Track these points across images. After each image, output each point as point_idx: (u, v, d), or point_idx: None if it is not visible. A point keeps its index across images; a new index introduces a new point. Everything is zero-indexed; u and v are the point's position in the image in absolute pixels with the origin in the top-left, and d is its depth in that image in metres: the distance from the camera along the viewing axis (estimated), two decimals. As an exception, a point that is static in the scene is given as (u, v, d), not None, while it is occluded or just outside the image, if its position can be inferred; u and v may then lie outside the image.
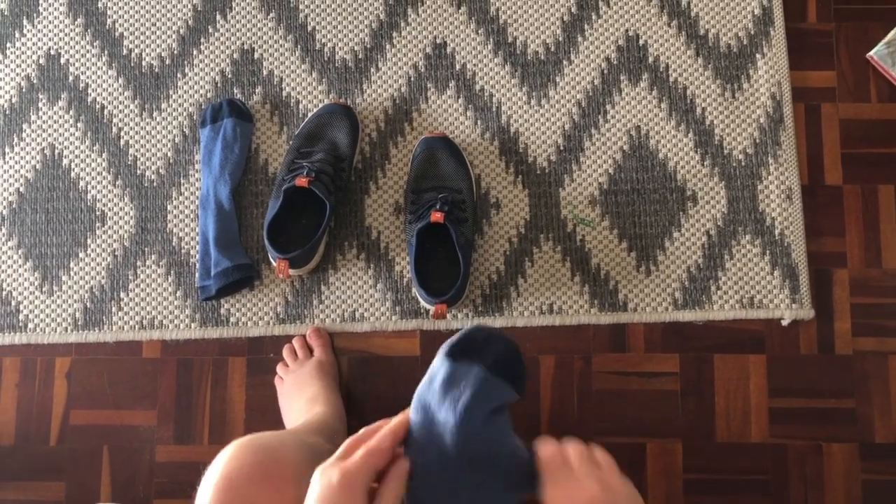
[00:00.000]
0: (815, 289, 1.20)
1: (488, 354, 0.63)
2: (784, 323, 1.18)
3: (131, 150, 1.24)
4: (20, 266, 1.22)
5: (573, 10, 1.26)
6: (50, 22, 1.27)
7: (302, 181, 1.08)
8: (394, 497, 0.59)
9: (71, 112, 1.25)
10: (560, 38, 1.25)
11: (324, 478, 0.58)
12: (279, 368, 1.18)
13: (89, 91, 1.25)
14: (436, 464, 0.61)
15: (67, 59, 1.26)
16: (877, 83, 1.24)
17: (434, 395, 0.62)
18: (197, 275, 1.19)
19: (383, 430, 0.61)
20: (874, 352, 1.18)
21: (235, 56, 1.26)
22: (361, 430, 0.62)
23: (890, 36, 1.23)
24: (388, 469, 0.60)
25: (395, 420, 0.62)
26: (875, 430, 1.16)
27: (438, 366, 0.63)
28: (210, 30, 1.26)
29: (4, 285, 1.21)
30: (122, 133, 1.24)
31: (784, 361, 1.18)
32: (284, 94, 1.25)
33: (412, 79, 1.25)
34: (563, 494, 0.60)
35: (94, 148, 1.24)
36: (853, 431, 1.16)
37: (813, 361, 1.18)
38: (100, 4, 1.27)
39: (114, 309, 1.20)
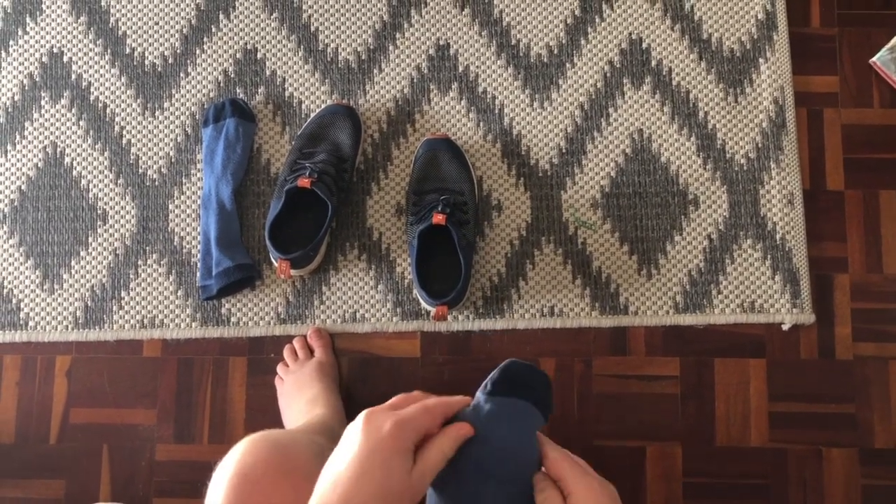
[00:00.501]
0: (816, 293, 1.20)
1: (527, 386, 0.63)
2: (785, 327, 1.19)
3: (133, 149, 1.24)
4: (21, 264, 1.22)
5: (577, 12, 1.26)
6: (53, 20, 1.27)
7: (304, 182, 1.09)
8: (442, 453, 0.57)
9: (73, 110, 1.25)
10: (563, 41, 1.26)
11: (372, 423, 0.56)
12: (279, 369, 1.18)
13: (92, 89, 1.25)
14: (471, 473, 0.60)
15: (70, 58, 1.26)
16: (879, 89, 1.24)
17: (482, 420, 0.60)
18: (198, 274, 1.19)
19: (440, 399, 0.59)
20: (874, 357, 1.18)
21: (238, 56, 1.26)
22: (413, 392, 0.61)
23: (893, 42, 1.23)
24: (448, 428, 0.58)
25: (452, 398, 0.60)
26: (875, 435, 1.17)
27: (483, 402, 0.62)
28: (213, 29, 1.27)
29: (5, 283, 1.21)
30: (124, 132, 1.24)
31: (784, 366, 1.18)
32: (287, 94, 1.25)
33: (415, 80, 1.25)
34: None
35: (96, 146, 1.24)
36: (853, 436, 1.17)
37: (813, 366, 1.18)
38: (103, 3, 1.27)
39: (115, 308, 1.20)
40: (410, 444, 0.56)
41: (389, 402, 0.59)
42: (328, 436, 0.99)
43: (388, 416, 0.56)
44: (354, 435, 0.56)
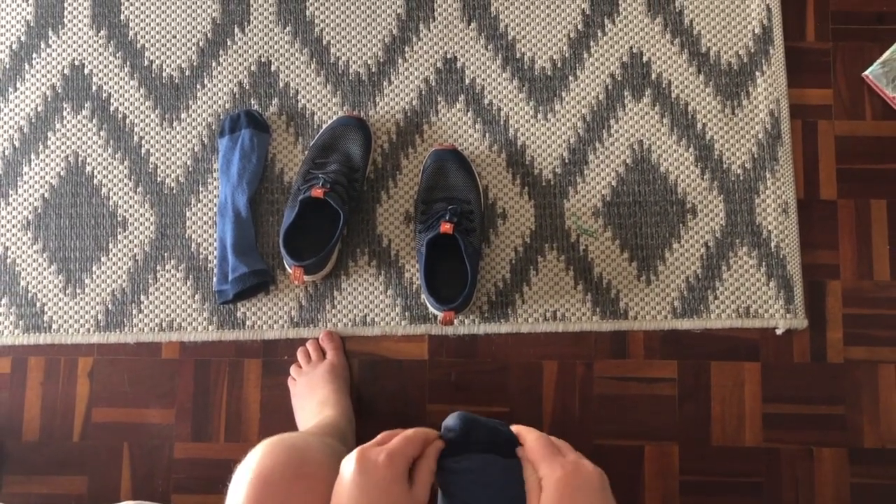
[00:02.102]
0: (809, 299, 1.24)
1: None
2: (778, 332, 1.23)
3: (152, 159, 1.29)
4: (45, 269, 1.27)
5: (580, 27, 1.30)
6: (74, 34, 1.32)
7: (318, 192, 1.13)
8: (430, 469, 0.68)
9: (94, 121, 1.30)
10: (566, 55, 1.30)
11: (367, 459, 0.65)
12: (292, 370, 1.22)
13: (112, 101, 1.30)
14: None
15: (91, 70, 1.31)
16: (871, 101, 1.29)
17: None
18: (215, 279, 1.23)
19: (417, 429, 0.69)
20: (864, 361, 1.23)
21: (253, 68, 1.30)
22: (394, 430, 0.70)
23: (885, 56, 1.27)
24: (428, 448, 0.69)
25: (425, 429, 0.70)
26: (864, 435, 1.21)
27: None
28: (228, 42, 1.31)
29: (30, 287, 1.26)
30: (143, 142, 1.29)
31: (778, 369, 1.23)
32: (300, 105, 1.29)
33: (423, 92, 1.29)
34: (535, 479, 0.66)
35: (116, 156, 1.29)
36: (843, 437, 1.21)
37: (805, 369, 1.23)
38: (122, 17, 1.32)
39: (134, 311, 1.25)
40: (404, 470, 0.66)
41: (375, 439, 0.69)
42: (338, 437, 1.03)
43: (379, 451, 0.66)
44: (353, 473, 0.65)
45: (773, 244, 1.25)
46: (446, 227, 1.12)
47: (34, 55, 1.31)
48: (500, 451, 0.70)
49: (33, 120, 1.30)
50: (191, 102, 1.30)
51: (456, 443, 0.70)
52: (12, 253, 1.27)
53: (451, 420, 0.71)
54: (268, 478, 0.74)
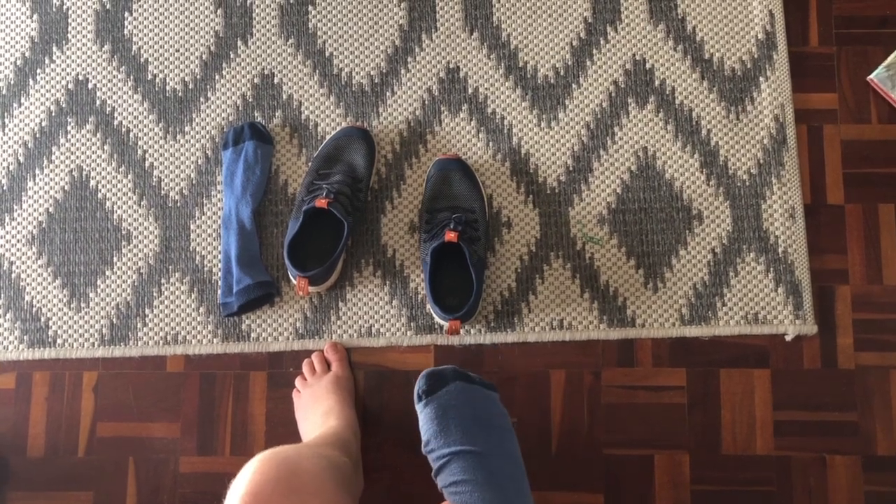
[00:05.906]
0: (818, 305, 1.23)
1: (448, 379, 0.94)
2: (788, 338, 1.22)
3: (156, 172, 1.29)
4: (49, 283, 1.26)
5: (582, 35, 1.30)
6: (78, 48, 1.32)
7: (322, 202, 1.13)
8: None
9: (98, 135, 1.30)
10: (569, 63, 1.30)
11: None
12: (297, 381, 1.22)
13: (115, 115, 1.30)
14: None
15: (95, 84, 1.31)
16: (877, 105, 1.28)
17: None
18: (219, 292, 1.23)
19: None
20: (876, 366, 1.21)
21: (256, 81, 1.31)
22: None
23: (889, 59, 1.27)
24: None
25: None
26: (877, 442, 1.20)
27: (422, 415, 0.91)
28: (231, 55, 1.31)
29: (34, 302, 1.26)
30: (146, 155, 1.29)
31: (788, 375, 1.22)
32: (303, 117, 1.29)
33: (426, 102, 1.29)
34: None
35: (120, 169, 1.29)
36: (856, 444, 1.20)
37: (816, 376, 1.22)
38: (125, 32, 1.33)
39: (139, 325, 1.25)
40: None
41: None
42: (342, 448, 1.02)
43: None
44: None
45: (780, 250, 1.24)
46: (451, 236, 1.12)
47: (38, 70, 1.32)
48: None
49: (38, 135, 1.30)
50: (194, 115, 1.30)
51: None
52: (17, 267, 1.27)
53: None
54: (259, 494, 0.75)
